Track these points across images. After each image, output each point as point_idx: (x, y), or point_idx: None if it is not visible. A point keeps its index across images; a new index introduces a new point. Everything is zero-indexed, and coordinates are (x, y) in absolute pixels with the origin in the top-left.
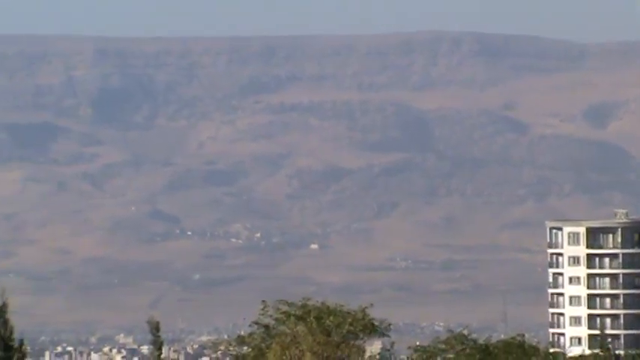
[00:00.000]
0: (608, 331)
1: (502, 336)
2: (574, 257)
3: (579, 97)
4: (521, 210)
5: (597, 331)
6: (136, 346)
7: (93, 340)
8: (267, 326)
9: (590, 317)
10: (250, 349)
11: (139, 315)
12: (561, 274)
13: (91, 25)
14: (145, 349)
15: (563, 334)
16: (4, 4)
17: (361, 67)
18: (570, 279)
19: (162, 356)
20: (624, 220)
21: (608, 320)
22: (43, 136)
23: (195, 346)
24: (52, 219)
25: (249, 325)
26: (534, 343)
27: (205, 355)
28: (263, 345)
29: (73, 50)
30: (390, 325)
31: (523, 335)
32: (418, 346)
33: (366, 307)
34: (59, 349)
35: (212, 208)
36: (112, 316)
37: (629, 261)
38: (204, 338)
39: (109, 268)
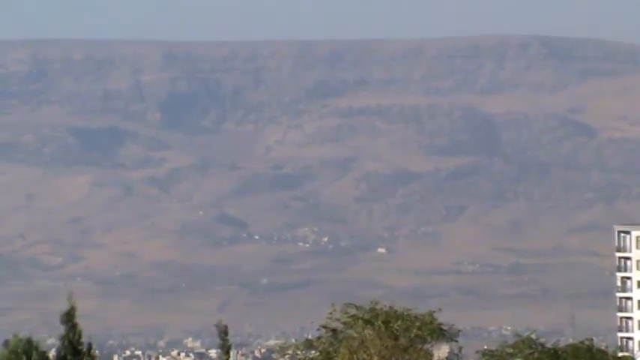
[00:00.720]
0: None
1: (570, 340)
2: None
3: None
4: (589, 214)
5: None
6: (203, 350)
7: (161, 343)
8: (334, 330)
9: None
10: (318, 353)
11: (206, 319)
12: (629, 277)
13: (159, 29)
14: (212, 352)
15: (631, 338)
16: (73, 9)
17: (429, 70)
18: (639, 283)
19: None
20: None
21: None
22: (111, 140)
23: (263, 350)
24: (119, 223)
25: (317, 329)
26: (603, 348)
27: (273, 359)
28: (331, 349)
29: (140, 55)
30: (458, 330)
31: (591, 339)
32: (486, 350)
33: (433, 312)
34: (127, 352)
35: (279, 212)
36: (180, 320)
37: None
38: (271, 342)
39: (177, 272)
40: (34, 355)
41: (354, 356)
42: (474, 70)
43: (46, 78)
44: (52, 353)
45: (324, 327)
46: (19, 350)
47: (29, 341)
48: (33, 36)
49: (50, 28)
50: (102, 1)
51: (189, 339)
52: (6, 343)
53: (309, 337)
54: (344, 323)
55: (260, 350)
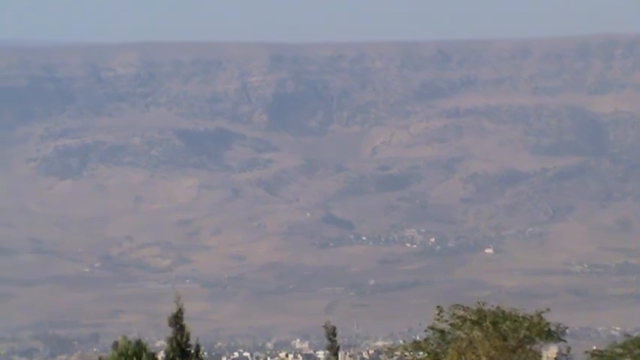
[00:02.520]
0: None
1: None
2: None
3: None
4: None
5: None
6: (311, 352)
7: (269, 345)
8: (442, 331)
9: None
10: (426, 355)
11: (314, 320)
12: None
13: (266, 31)
14: (320, 354)
15: None
16: (182, 12)
17: (536, 70)
18: None
19: None
20: None
21: None
22: (218, 142)
23: (371, 352)
24: (227, 225)
25: (425, 330)
26: None
27: None
28: (439, 350)
29: (248, 57)
30: (566, 329)
31: None
32: (595, 350)
33: (542, 312)
34: (235, 354)
35: (386, 213)
36: (288, 322)
37: None
38: (379, 343)
39: (284, 273)
40: (144, 357)
41: (463, 357)
42: (581, 69)
43: (154, 80)
44: (160, 355)
45: (432, 328)
46: (128, 352)
47: (139, 343)
48: (141, 39)
49: (159, 31)
50: (210, 4)
51: (297, 340)
52: (115, 345)
53: (417, 338)
54: (452, 324)
55: (368, 352)
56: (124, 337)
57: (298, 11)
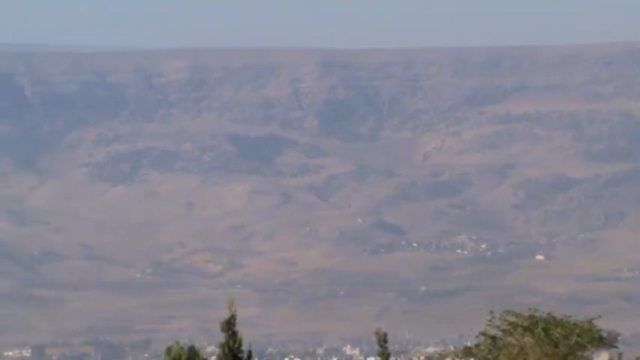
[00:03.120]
0: None
1: None
2: None
3: None
4: None
5: None
6: (362, 358)
7: (320, 351)
8: (494, 337)
9: None
10: None
11: (365, 326)
12: None
13: (317, 37)
14: None
15: None
16: (232, 18)
17: (588, 76)
18: None
19: None
20: None
21: None
22: (269, 148)
23: (422, 358)
24: (278, 231)
25: (476, 336)
26: None
27: None
28: (490, 356)
29: (299, 63)
30: (618, 335)
31: None
32: None
33: (593, 319)
34: None
35: (437, 219)
36: (339, 328)
37: None
38: (430, 349)
39: (335, 279)
40: None
41: None
42: (633, 75)
43: (206, 86)
44: None
45: (483, 334)
46: (181, 358)
47: (191, 349)
48: (192, 44)
49: (209, 37)
50: (260, 10)
51: (348, 346)
52: (168, 350)
53: (468, 344)
54: (503, 330)
55: (419, 358)
56: (177, 343)
57: (349, 17)
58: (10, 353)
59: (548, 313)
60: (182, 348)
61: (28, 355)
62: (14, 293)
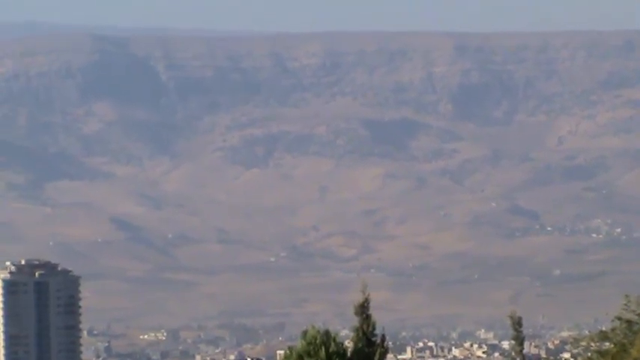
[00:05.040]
0: None
1: None
2: None
3: None
4: None
5: None
6: (496, 342)
7: (453, 335)
8: (629, 322)
9: None
10: (612, 345)
11: (499, 310)
12: None
13: (451, 21)
14: (505, 344)
15: None
16: (364, 2)
17: None
18: None
19: (524, 352)
20: None
21: None
22: (403, 132)
23: (556, 342)
24: (412, 215)
25: (612, 321)
26: None
27: (566, 351)
28: (625, 341)
29: (432, 47)
30: None
31: None
32: None
33: None
34: (420, 344)
35: (572, 203)
36: (473, 312)
37: None
38: (564, 334)
39: (469, 263)
40: (332, 347)
41: None
42: None
43: (339, 70)
44: (346, 344)
45: (619, 318)
46: (316, 341)
47: (327, 332)
48: (326, 29)
49: (343, 21)
50: None
51: (482, 330)
52: (304, 334)
53: (603, 328)
54: (639, 315)
55: (553, 342)
56: (313, 327)
57: (481, 0)
58: (146, 336)
59: None
60: (318, 332)
61: (164, 338)
62: (149, 277)
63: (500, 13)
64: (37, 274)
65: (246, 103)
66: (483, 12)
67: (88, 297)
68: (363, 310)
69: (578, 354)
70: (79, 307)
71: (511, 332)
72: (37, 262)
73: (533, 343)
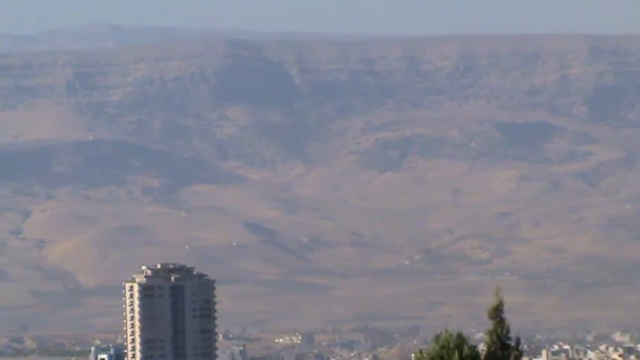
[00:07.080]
0: None
1: None
2: None
3: None
4: None
5: None
6: (632, 345)
7: (589, 338)
8: None
9: None
10: None
11: (635, 313)
12: None
13: (586, 23)
14: None
15: None
16: (497, 4)
17: None
18: None
19: None
20: None
21: None
22: (537, 134)
23: None
24: (546, 217)
25: None
26: None
27: None
28: None
29: (567, 49)
30: None
31: None
32: None
33: None
34: (555, 347)
35: None
36: (608, 315)
37: None
38: None
39: (604, 266)
40: (466, 350)
41: None
42: None
43: (473, 73)
44: (480, 347)
45: None
46: (450, 345)
47: (460, 336)
48: (460, 31)
49: (477, 24)
50: None
51: (618, 333)
52: (436, 337)
53: None
54: None
55: None
56: (446, 330)
57: (617, 2)
58: (281, 340)
59: None
60: (451, 335)
61: (298, 341)
62: (284, 280)
63: (636, 15)
64: (172, 278)
65: (380, 107)
66: (618, 13)
67: (223, 301)
68: (497, 313)
69: None
70: (215, 310)
71: None
72: (172, 266)
73: None
